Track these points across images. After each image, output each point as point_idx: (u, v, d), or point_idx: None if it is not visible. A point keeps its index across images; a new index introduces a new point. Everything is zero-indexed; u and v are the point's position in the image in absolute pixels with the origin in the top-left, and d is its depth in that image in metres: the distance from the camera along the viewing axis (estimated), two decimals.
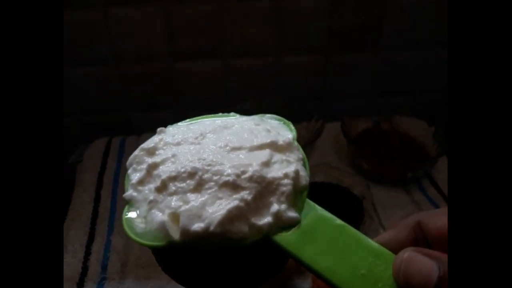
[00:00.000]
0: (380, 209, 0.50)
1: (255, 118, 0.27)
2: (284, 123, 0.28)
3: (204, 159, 0.22)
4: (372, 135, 0.61)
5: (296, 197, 0.22)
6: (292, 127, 0.27)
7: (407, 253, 0.19)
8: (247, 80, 0.67)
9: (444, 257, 0.18)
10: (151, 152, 0.25)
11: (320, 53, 0.66)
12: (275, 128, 0.26)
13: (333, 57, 0.66)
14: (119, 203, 0.53)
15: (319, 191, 0.51)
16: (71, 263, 0.45)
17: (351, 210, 0.48)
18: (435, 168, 0.57)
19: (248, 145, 0.24)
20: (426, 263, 0.18)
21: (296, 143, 0.25)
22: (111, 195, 0.54)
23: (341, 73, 0.68)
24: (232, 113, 0.28)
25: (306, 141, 0.58)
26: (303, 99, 0.68)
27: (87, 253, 0.46)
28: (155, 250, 0.23)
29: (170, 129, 0.27)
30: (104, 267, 0.45)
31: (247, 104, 0.62)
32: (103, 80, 0.65)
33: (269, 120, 0.28)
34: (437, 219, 0.20)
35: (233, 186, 0.21)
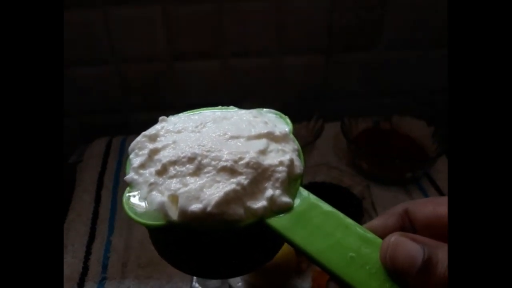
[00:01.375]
0: (380, 209, 0.50)
1: (253, 111, 0.29)
2: (281, 117, 0.29)
3: (203, 145, 0.23)
4: (372, 135, 0.61)
5: (290, 184, 0.23)
6: (289, 121, 0.29)
7: (394, 237, 0.19)
8: (247, 80, 0.67)
9: (430, 242, 0.19)
10: (153, 138, 0.25)
11: (320, 53, 0.66)
12: (272, 121, 0.28)
13: (333, 57, 0.67)
14: (119, 203, 0.53)
15: (319, 191, 0.50)
16: (71, 263, 0.45)
17: (351, 210, 0.48)
18: (434, 168, 0.57)
19: (246, 135, 0.25)
20: (412, 247, 0.18)
21: (292, 136, 0.27)
22: (112, 195, 0.54)
23: (341, 73, 0.68)
24: (231, 106, 0.30)
25: (306, 141, 0.58)
26: (303, 99, 0.68)
27: (88, 253, 0.46)
28: (153, 230, 0.24)
29: (172, 118, 0.28)
30: (104, 267, 0.45)
31: (247, 104, 0.62)
32: (103, 80, 0.65)
33: (267, 114, 0.29)
34: (424, 207, 0.21)
35: (230, 171, 0.22)
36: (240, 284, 0.43)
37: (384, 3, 0.62)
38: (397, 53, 0.67)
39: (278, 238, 0.21)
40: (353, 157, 0.59)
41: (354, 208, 0.48)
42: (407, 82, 0.70)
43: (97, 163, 0.59)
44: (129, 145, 0.26)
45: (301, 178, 0.24)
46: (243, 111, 0.29)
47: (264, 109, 0.30)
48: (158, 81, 0.66)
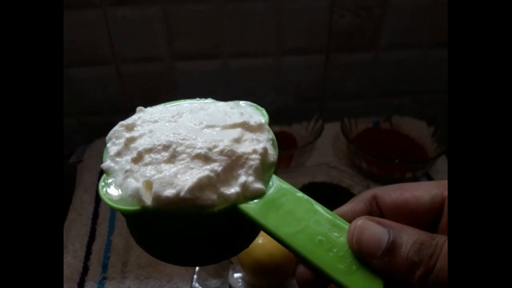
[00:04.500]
0: None
1: (230, 103, 0.29)
2: (258, 109, 0.29)
3: (178, 134, 0.24)
4: (372, 135, 0.61)
5: (263, 171, 0.24)
6: (265, 113, 0.29)
7: (360, 221, 0.20)
8: (247, 80, 0.67)
9: (394, 225, 0.19)
10: (130, 128, 0.26)
11: (320, 53, 0.66)
12: (248, 112, 0.28)
13: (333, 57, 0.67)
14: None
15: (319, 191, 0.51)
16: (71, 263, 0.45)
17: None
18: (434, 168, 0.57)
19: (221, 124, 0.25)
20: (377, 230, 0.19)
21: (267, 126, 0.27)
22: None
23: (341, 73, 0.68)
24: (209, 98, 0.30)
25: (306, 141, 0.58)
26: (303, 99, 0.68)
27: (88, 253, 0.46)
28: (129, 216, 0.24)
29: (149, 109, 0.28)
30: (104, 267, 0.45)
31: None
32: (103, 80, 0.65)
33: (244, 106, 0.30)
34: (391, 192, 0.22)
35: (204, 158, 0.23)
36: (240, 284, 0.43)
37: (384, 3, 0.62)
38: (397, 53, 0.67)
39: (252, 224, 0.22)
40: (353, 157, 0.59)
41: None
42: (407, 82, 0.70)
43: (97, 163, 0.59)
44: None
45: (275, 167, 0.24)
46: (221, 103, 0.29)
47: (241, 101, 0.30)
48: (158, 81, 0.66)
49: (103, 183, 0.23)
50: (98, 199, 0.54)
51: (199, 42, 0.63)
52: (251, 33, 0.63)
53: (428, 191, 0.21)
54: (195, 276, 0.41)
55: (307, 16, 0.62)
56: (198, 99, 0.30)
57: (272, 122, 0.51)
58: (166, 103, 0.29)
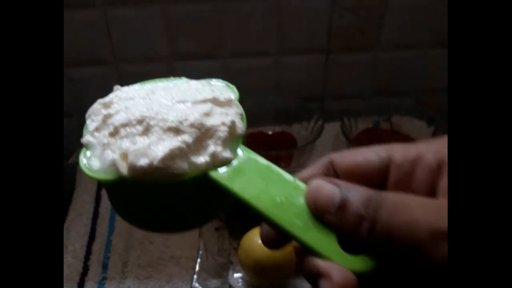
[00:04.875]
0: None
1: (203, 81, 0.31)
2: (229, 86, 0.32)
3: (152, 109, 0.26)
4: (372, 135, 0.61)
5: (231, 142, 0.26)
6: (235, 90, 0.31)
7: (316, 181, 0.22)
8: (247, 80, 0.67)
9: (346, 184, 0.21)
10: (107, 105, 0.28)
11: (320, 53, 0.66)
12: (219, 89, 0.30)
13: (333, 57, 0.67)
14: None
15: None
16: (71, 263, 0.45)
17: None
18: None
19: (192, 100, 0.28)
20: (331, 188, 0.21)
21: (237, 102, 0.30)
22: None
23: (341, 73, 0.68)
24: (183, 77, 0.32)
25: (306, 141, 0.58)
26: (303, 99, 0.68)
27: (88, 253, 0.46)
28: (108, 185, 0.26)
29: (125, 88, 0.31)
30: (104, 267, 0.45)
31: (247, 104, 0.62)
32: (103, 80, 0.65)
33: (215, 83, 0.32)
34: (345, 156, 0.24)
35: (176, 130, 0.25)
36: (240, 284, 0.43)
37: (384, 3, 0.62)
38: (397, 53, 0.67)
39: (221, 191, 0.24)
40: None
41: None
42: (407, 82, 0.70)
43: None
44: None
45: (243, 138, 0.27)
46: (193, 81, 0.31)
47: (213, 79, 0.32)
48: None
49: (83, 157, 0.25)
50: (98, 199, 0.54)
51: (199, 42, 0.63)
52: (251, 33, 0.63)
53: (377, 154, 0.23)
54: (195, 276, 0.41)
55: (307, 16, 0.62)
56: (172, 78, 0.32)
57: (272, 122, 0.54)
58: (142, 82, 0.32)
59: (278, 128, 0.63)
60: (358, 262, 0.20)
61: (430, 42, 0.66)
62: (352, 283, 0.19)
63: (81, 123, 0.71)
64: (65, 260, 0.46)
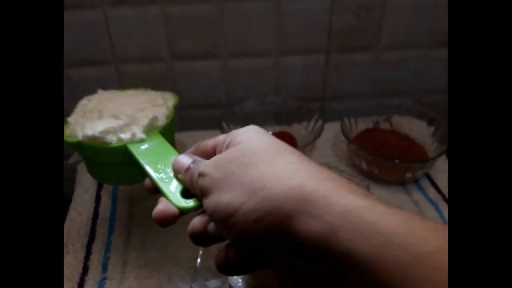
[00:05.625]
0: None
1: (158, 92, 0.48)
2: (174, 97, 0.48)
3: (109, 104, 0.43)
4: (372, 135, 0.61)
5: (149, 129, 0.40)
6: (175, 99, 0.47)
7: (181, 155, 0.33)
8: (247, 80, 0.67)
9: (196, 157, 0.31)
10: (88, 99, 0.46)
11: (320, 53, 0.66)
12: (164, 97, 0.46)
13: (333, 57, 0.67)
14: (119, 203, 0.53)
15: None
16: (71, 263, 0.45)
17: None
18: (434, 168, 0.57)
19: (138, 101, 0.44)
20: (186, 159, 0.31)
21: (170, 106, 0.45)
22: (112, 195, 0.54)
23: (341, 73, 0.68)
24: (148, 89, 0.49)
25: (306, 141, 0.58)
26: (303, 99, 0.68)
27: (88, 253, 0.46)
28: (72, 146, 0.42)
29: (103, 91, 0.48)
30: (104, 267, 0.45)
31: (247, 104, 0.62)
32: (103, 80, 0.65)
33: (165, 94, 0.48)
34: (208, 141, 0.32)
35: (115, 117, 0.41)
36: (240, 284, 0.43)
37: (384, 3, 0.62)
38: (397, 53, 0.67)
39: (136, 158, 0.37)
40: (353, 157, 0.59)
41: None
42: (407, 82, 0.70)
43: None
44: None
45: (162, 129, 0.41)
46: (152, 92, 0.48)
47: (165, 92, 0.48)
48: (158, 81, 0.66)
49: (65, 129, 0.42)
50: (98, 199, 0.54)
51: (199, 42, 0.63)
52: (251, 33, 0.63)
53: (214, 139, 0.32)
54: (195, 276, 0.41)
55: (307, 16, 0.62)
56: (142, 89, 0.49)
57: (272, 122, 0.56)
58: (119, 89, 0.49)
59: (278, 128, 0.63)
60: (185, 203, 0.30)
61: (430, 42, 0.66)
62: (170, 211, 0.29)
63: None
64: (65, 260, 0.46)
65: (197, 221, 0.29)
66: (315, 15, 0.62)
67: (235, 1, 0.60)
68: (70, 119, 0.43)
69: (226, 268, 0.27)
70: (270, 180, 0.24)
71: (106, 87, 0.66)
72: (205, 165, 0.28)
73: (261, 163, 0.25)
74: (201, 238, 0.29)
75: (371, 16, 0.63)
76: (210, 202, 0.26)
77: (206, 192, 0.27)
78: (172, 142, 0.42)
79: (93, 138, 0.39)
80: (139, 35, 0.61)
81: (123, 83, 0.66)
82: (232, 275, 0.34)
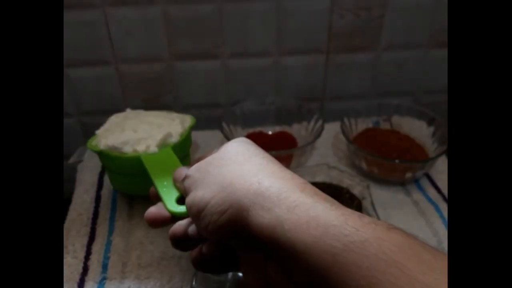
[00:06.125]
0: (380, 209, 0.50)
1: (176, 114, 0.53)
2: (191, 118, 0.53)
3: (131, 122, 0.49)
4: (372, 135, 0.61)
5: (162, 144, 0.46)
6: (193, 120, 0.53)
7: (180, 167, 0.36)
8: (247, 80, 0.67)
9: (190, 167, 0.32)
10: (116, 117, 0.52)
11: (320, 53, 0.66)
12: (181, 118, 0.52)
13: (333, 57, 0.67)
14: (119, 203, 0.53)
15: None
16: (71, 263, 0.45)
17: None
18: (434, 168, 0.57)
19: (156, 120, 0.50)
20: (184, 170, 0.34)
21: (186, 126, 0.51)
22: (112, 195, 0.54)
23: (341, 73, 0.68)
24: (172, 111, 0.55)
25: (306, 141, 0.58)
26: (303, 99, 0.68)
27: (88, 253, 0.46)
28: (97, 154, 0.48)
29: (131, 110, 0.54)
30: (104, 267, 0.45)
31: (247, 104, 0.62)
32: (103, 80, 0.65)
33: (187, 118, 0.53)
34: (208, 153, 0.33)
35: (134, 131, 0.47)
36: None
37: (384, 3, 0.62)
38: (397, 53, 0.67)
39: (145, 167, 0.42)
40: (353, 157, 0.59)
41: (354, 208, 0.48)
42: (407, 82, 0.70)
43: (98, 163, 0.59)
44: None
45: (175, 146, 0.46)
46: (175, 114, 0.53)
47: (189, 115, 0.54)
48: (158, 81, 0.66)
49: (91, 141, 0.49)
50: (98, 199, 0.54)
51: (199, 42, 0.63)
52: (251, 33, 0.63)
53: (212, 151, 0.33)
54: (195, 276, 0.41)
55: (307, 16, 0.62)
56: (166, 111, 0.54)
57: (272, 122, 0.56)
58: (145, 111, 0.54)
59: (278, 128, 0.63)
60: (176, 208, 0.33)
61: (430, 42, 0.66)
62: (161, 214, 0.33)
63: (81, 123, 0.73)
64: (65, 260, 0.46)
65: (177, 224, 0.32)
66: (315, 15, 0.62)
67: (235, 1, 0.60)
68: (99, 132, 0.48)
69: (200, 263, 0.30)
70: (237, 177, 0.26)
71: (106, 87, 0.66)
72: (190, 169, 0.31)
73: (233, 164, 0.28)
74: (181, 241, 0.31)
75: (371, 16, 0.63)
76: (188, 198, 0.29)
77: (187, 191, 0.30)
78: (185, 158, 0.49)
79: (112, 148, 0.45)
80: (139, 35, 0.61)
81: (123, 83, 0.66)
82: (206, 271, 0.37)
